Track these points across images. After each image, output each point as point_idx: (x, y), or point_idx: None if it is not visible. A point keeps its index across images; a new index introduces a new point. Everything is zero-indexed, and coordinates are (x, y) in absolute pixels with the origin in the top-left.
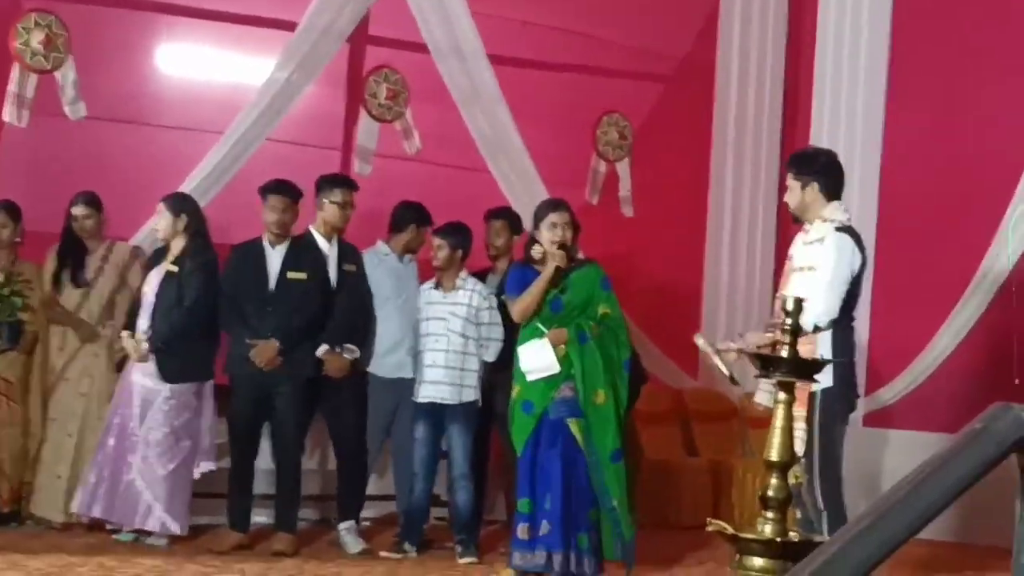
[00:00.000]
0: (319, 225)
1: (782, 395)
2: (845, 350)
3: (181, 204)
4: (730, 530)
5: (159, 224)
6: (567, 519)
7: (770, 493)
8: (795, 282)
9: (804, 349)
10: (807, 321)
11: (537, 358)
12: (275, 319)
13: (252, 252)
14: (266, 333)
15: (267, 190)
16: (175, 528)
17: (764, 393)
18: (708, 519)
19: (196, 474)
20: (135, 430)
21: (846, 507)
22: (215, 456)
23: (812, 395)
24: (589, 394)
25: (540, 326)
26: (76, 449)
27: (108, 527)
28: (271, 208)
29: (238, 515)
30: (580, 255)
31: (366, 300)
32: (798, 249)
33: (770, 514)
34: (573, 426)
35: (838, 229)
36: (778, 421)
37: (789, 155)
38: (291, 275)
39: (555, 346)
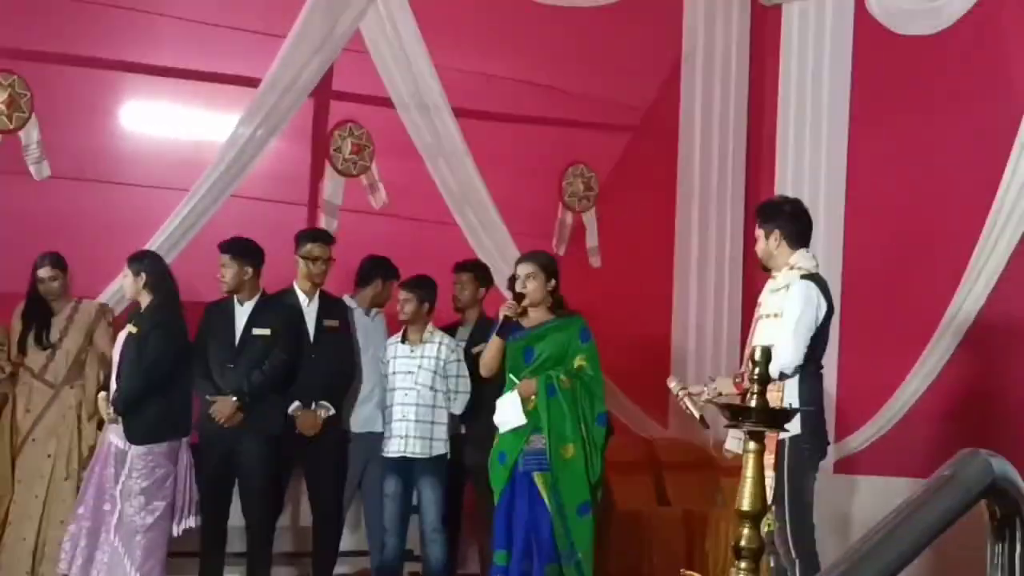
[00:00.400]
0: (299, 280)
1: (752, 444)
2: (813, 397)
3: (140, 263)
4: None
5: (124, 284)
6: (526, 572)
7: (743, 543)
8: (763, 328)
9: (771, 397)
10: (773, 369)
11: (507, 410)
12: (235, 376)
13: (222, 310)
14: (227, 390)
15: (224, 248)
16: None
17: (734, 440)
18: (682, 570)
19: (176, 531)
20: (110, 489)
21: (818, 555)
22: (195, 512)
23: (780, 443)
24: (557, 447)
25: (513, 377)
26: (44, 511)
27: None
28: (222, 266)
29: (210, 574)
30: (560, 309)
31: (346, 356)
32: (766, 296)
33: (743, 564)
34: (538, 479)
35: (803, 276)
36: (748, 471)
37: (754, 204)
38: (255, 331)
39: (525, 398)
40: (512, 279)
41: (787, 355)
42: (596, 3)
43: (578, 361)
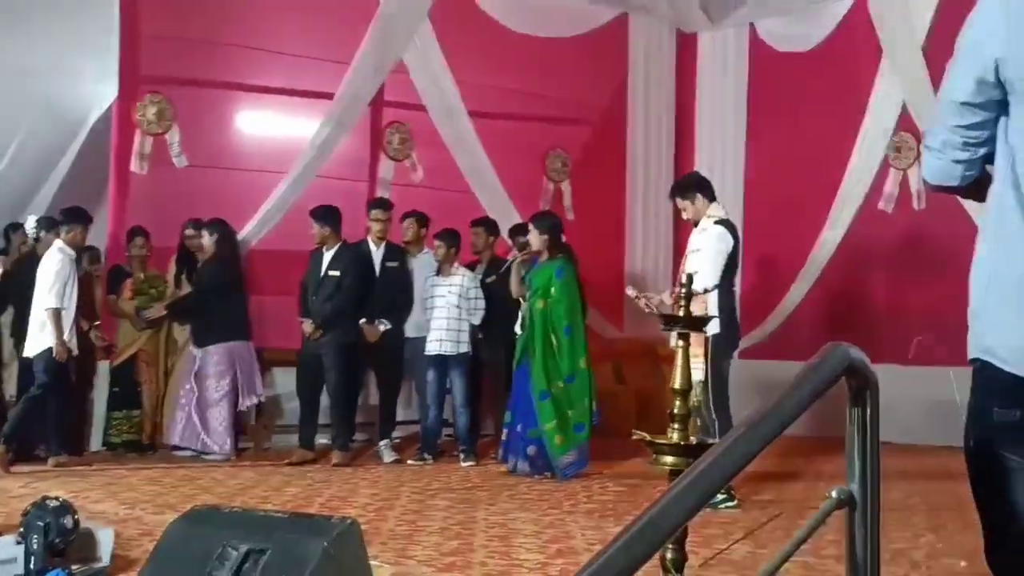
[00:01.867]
0: (371, 234)
1: (680, 342)
2: (725, 307)
3: (212, 227)
4: (648, 437)
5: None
6: (518, 432)
7: (676, 411)
8: (690, 260)
9: (698, 307)
10: (698, 286)
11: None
12: (316, 305)
13: (314, 257)
14: (312, 314)
15: (312, 214)
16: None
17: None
18: (633, 430)
19: (243, 405)
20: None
21: (732, 418)
22: (257, 392)
23: (707, 339)
24: (532, 348)
25: (522, 300)
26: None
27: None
28: (312, 226)
29: (306, 438)
30: (556, 253)
31: (402, 287)
32: (692, 237)
33: (676, 425)
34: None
35: (716, 222)
36: (678, 360)
37: (680, 175)
38: (330, 273)
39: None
40: (513, 229)
41: (707, 277)
42: (568, 34)
43: (553, 291)
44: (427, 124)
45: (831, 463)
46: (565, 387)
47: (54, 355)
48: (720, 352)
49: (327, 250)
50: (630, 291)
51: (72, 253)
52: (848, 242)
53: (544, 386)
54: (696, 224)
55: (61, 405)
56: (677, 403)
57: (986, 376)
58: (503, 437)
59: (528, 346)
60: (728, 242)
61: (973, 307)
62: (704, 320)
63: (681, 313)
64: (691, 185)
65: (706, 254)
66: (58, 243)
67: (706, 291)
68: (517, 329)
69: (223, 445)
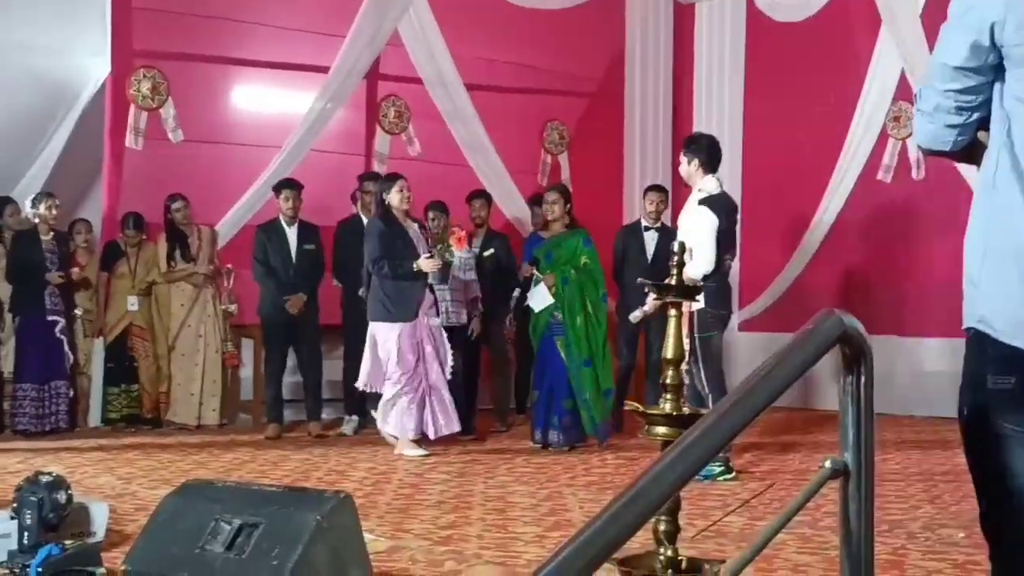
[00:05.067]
0: (361, 206)
1: (672, 311)
2: (713, 281)
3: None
4: (641, 408)
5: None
6: (548, 405)
7: (668, 381)
8: (680, 235)
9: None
10: (695, 274)
11: (538, 296)
12: (296, 280)
13: (275, 231)
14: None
15: (287, 186)
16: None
17: (638, 313)
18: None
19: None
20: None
21: (728, 389)
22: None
23: (691, 314)
24: (568, 319)
25: (537, 273)
26: (203, 375)
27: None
28: (284, 200)
29: (279, 411)
30: (572, 223)
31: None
32: (682, 214)
33: (668, 396)
34: (558, 342)
35: (701, 201)
36: (671, 330)
37: (677, 147)
38: (305, 247)
39: (549, 286)
40: (535, 198)
41: (701, 264)
42: (566, 5)
43: (583, 259)
44: (423, 97)
45: (834, 436)
46: (603, 352)
47: None
48: (707, 326)
49: (289, 225)
50: (634, 316)
51: None
52: (847, 212)
53: (587, 353)
54: (687, 187)
55: None
56: (670, 373)
57: (981, 345)
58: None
59: (562, 317)
60: (713, 222)
61: (968, 275)
62: (696, 289)
63: (673, 282)
64: (697, 143)
65: (696, 241)
66: None
67: (705, 278)
68: (536, 304)
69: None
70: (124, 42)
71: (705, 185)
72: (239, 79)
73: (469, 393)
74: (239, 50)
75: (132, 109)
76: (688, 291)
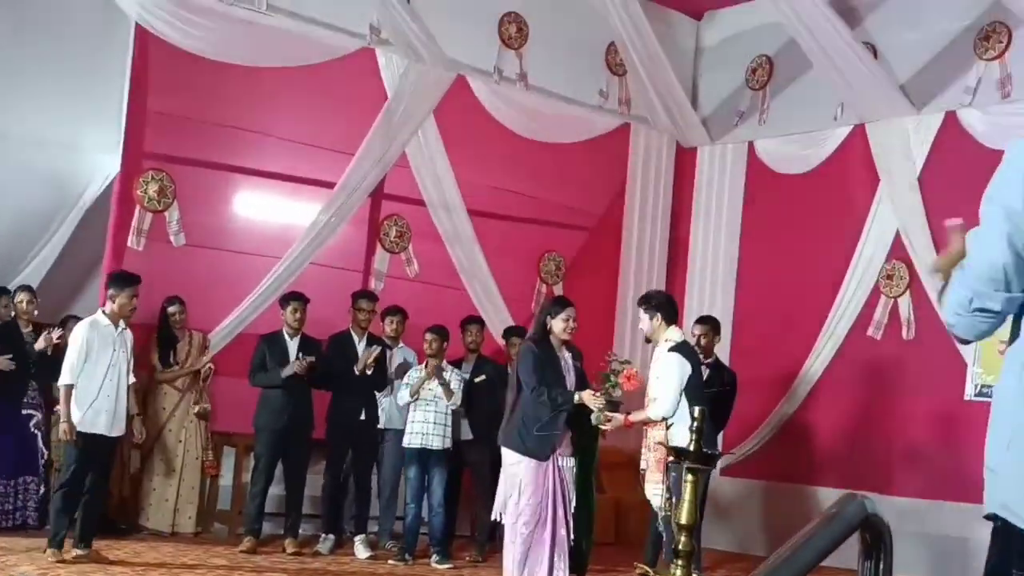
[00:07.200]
0: (355, 324)
1: (689, 476)
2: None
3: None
4: (652, 572)
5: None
6: None
7: (680, 547)
8: (651, 385)
9: (659, 433)
10: (656, 415)
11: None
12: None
13: (275, 342)
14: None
15: (295, 298)
16: None
17: (651, 486)
18: (635, 563)
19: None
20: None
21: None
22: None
23: (667, 465)
24: None
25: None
26: (179, 479)
27: None
28: (291, 311)
29: (259, 525)
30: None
31: (382, 378)
32: (652, 363)
33: (680, 562)
34: None
35: (671, 349)
36: (687, 495)
37: (671, 287)
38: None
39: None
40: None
41: (664, 405)
42: (569, 141)
43: None
44: (425, 219)
45: None
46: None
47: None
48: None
49: (292, 337)
50: (607, 426)
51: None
52: (834, 365)
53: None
54: (649, 341)
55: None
56: (683, 539)
57: (1006, 539)
58: None
59: None
60: (684, 366)
61: (990, 462)
62: (715, 457)
63: (692, 448)
64: (658, 303)
65: (663, 383)
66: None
67: (665, 420)
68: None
69: None
70: (136, 142)
71: (671, 335)
72: (245, 188)
73: (448, 519)
74: (248, 159)
75: (137, 210)
76: (706, 459)
